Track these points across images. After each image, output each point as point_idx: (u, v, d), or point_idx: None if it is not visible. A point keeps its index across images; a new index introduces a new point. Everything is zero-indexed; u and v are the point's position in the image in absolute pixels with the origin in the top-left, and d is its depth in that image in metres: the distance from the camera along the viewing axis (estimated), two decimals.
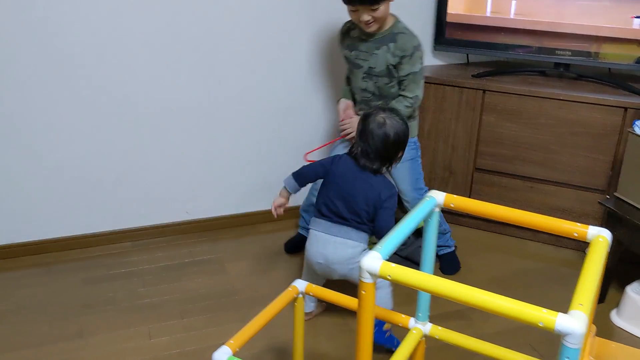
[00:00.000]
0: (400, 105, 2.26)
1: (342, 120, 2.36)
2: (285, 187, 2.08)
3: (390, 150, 1.93)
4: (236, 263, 2.55)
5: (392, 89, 2.28)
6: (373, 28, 2.20)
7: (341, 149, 2.39)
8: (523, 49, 2.72)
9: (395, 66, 2.23)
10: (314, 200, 2.39)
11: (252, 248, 2.69)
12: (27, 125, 2.37)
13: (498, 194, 2.73)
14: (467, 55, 2.96)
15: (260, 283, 2.41)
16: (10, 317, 2.16)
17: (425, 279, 1.07)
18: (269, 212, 2.85)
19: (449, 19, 2.76)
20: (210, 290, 2.35)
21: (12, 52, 2.26)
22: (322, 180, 2.06)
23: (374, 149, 1.91)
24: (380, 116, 1.91)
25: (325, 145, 2.55)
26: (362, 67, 2.28)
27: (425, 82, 2.69)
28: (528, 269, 2.57)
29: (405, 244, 2.62)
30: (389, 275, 1.11)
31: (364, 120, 1.93)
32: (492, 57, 2.97)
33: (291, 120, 2.79)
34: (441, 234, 2.57)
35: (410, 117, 2.31)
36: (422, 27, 2.86)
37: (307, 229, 2.39)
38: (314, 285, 1.74)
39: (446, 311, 2.19)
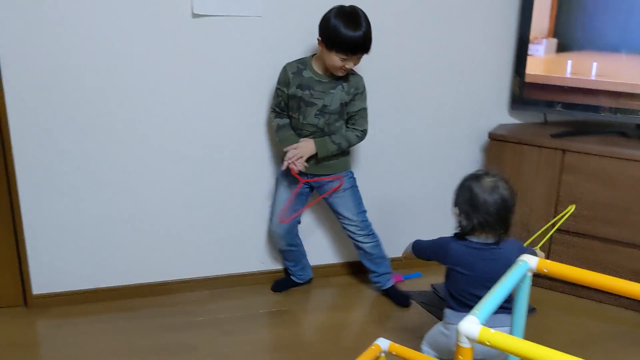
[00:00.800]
0: (352, 135, 2.45)
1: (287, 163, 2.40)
2: (410, 247, 2.13)
3: (510, 213, 1.80)
4: (310, 315, 2.58)
5: (337, 123, 2.44)
6: (346, 72, 2.35)
7: (283, 189, 2.54)
8: (603, 109, 2.70)
9: (347, 103, 2.41)
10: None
11: (325, 300, 2.71)
12: (112, 173, 2.51)
13: (576, 255, 2.67)
14: (545, 114, 2.96)
15: (335, 336, 2.42)
16: None
17: (528, 347, 1.07)
18: (341, 264, 2.93)
19: (527, 79, 2.78)
20: (287, 341, 2.38)
21: (89, 106, 2.42)
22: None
23: (497, 218, 1.78)
24: (487, 181, 1.80)
25: (302, 210, 2.60)
26: (316, 105, 2.38)
27: (503, 141, 2.74)
28: (609, 334, 2.48)
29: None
30: (488, 341, 1.12)
31: (470, 192, 1.80)
32: (571, 117, 2.95)
33: (373, 172, 2.84)
34: (382, 258, 2.70)
35: (346, 152, 2.52)
36: (499, 86, 2.90)
37: (294, 275, 2.74)
38: (397, 345, 1.74)
39: None
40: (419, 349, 1.89)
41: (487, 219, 1.78)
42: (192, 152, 2.57)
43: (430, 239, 2.06)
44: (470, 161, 2.96)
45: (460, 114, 2.88)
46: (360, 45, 2.26)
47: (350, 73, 2.40)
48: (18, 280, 2.54)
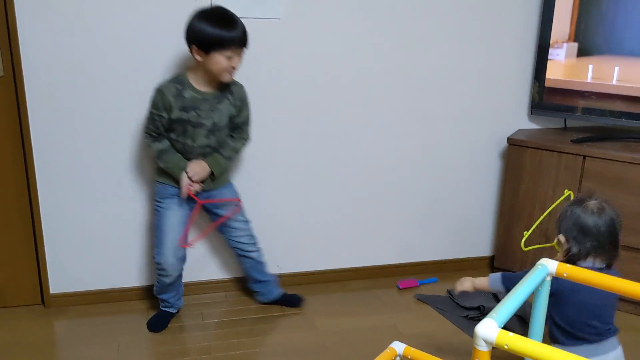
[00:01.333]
0: (239, 145, 2.38)
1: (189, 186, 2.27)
2: (488, 281, 1.99)
3: (619, 234, 1.80)
4: (326, 319, 2.56)
5: (227, 137, 2.35)
6: (233, 75, 2.23)
7: (173, 212, 2.32)
8: (625, 115, 2.66)
9: (234, 115, 2.31)
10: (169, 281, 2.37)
11: (342, 305, 2.70)
12: (129, 175, 2.51)
13: None
14: (565, 120, 2.93)
15: (351, 340, 2.41)
16: None
17: (548, 352, 1.05)
18: (359, 269, 2.91)
19: (547, 84, 2.75)
20: (301, 345, 2.37)
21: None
22: None
23: (609, 240, 1.79)
24: (592, 204, 1.80)
25: (207, 231, 2.56)
26: (205, 125, 2.24)
27: (522, 146, 2.71)
28: (631, 343, 2.42)
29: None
30: (506, 345, 1.10)
31: (577, 216, 1.80)
32: (591, 123, 2.91)
33: (396, 179, 2.83)
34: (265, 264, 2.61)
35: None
36: (519, 91, 2.87)
37: (172, 306, 2.49)
38: (412, 349, 1.73)
39: None
40: (434, 354, 1.86)
41: (600, 241, 1.78)
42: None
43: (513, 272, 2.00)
44: (489, 167, 2.94)
45: (480, 119, 2.86)
46: (242, 37, 2.16)
47: (232, 84, 2.27)
48: (36, 279, 2.57)
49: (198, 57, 2.15)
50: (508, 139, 2.75)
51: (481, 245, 3.08)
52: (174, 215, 2.34)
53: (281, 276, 2.82)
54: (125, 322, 2.50)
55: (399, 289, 2.85)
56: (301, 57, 2.50)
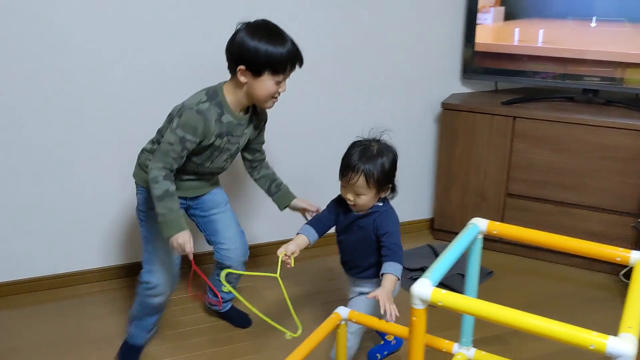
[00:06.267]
0: (272, 169, 2.17)
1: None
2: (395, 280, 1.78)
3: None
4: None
5: (258, 165, 2.15)
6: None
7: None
8: (551, 75, 2.77)
9: (251, 138, 2.06)
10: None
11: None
12: None
13: (530, 219, 2.75)
14: (496, 82, 3.02)
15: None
16: None
17: (477, 305, 1.12)
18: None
19: (477, 48, 2.83)
20: None
21: None
22: None
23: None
24: (373, 149, 1.83)
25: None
26: (230, 151, 1.97)
27: (456, 110, 2.79)
28: (563, 293, 2.58)
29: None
30: (440, 302, 1.16)
31: (394, 165, 1.88)
32: (521, 84, 3.02)
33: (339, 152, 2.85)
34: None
35: None
36: (451, 56, 2.94)
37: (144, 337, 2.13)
38: (356, 312, 1.78)
39: (485, 336, 2.21)
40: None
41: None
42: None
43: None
44: (425, 131, 3.01)
45: (414, 85, 2.91)
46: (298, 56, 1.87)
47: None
48: None
49: (243, 79, 1.83)
50: (442, 103, 2.82)
51: (421, 209, 3.17)
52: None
53: None
54: None
55: None
56: None
